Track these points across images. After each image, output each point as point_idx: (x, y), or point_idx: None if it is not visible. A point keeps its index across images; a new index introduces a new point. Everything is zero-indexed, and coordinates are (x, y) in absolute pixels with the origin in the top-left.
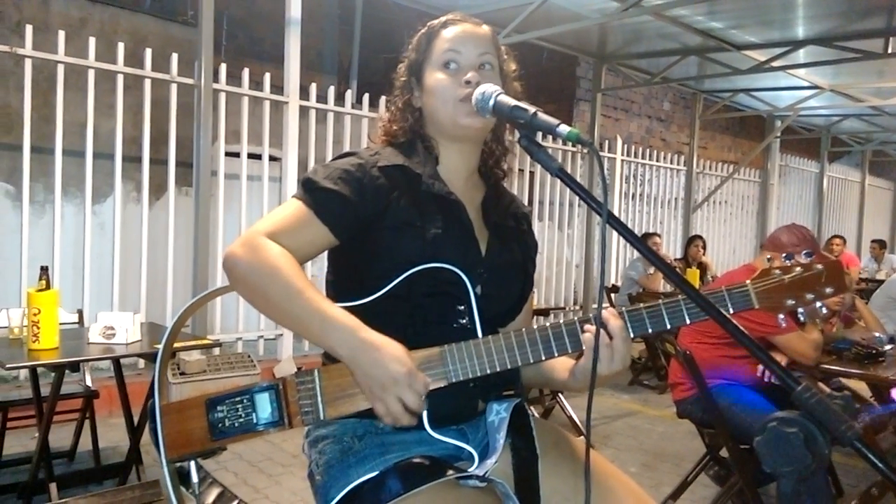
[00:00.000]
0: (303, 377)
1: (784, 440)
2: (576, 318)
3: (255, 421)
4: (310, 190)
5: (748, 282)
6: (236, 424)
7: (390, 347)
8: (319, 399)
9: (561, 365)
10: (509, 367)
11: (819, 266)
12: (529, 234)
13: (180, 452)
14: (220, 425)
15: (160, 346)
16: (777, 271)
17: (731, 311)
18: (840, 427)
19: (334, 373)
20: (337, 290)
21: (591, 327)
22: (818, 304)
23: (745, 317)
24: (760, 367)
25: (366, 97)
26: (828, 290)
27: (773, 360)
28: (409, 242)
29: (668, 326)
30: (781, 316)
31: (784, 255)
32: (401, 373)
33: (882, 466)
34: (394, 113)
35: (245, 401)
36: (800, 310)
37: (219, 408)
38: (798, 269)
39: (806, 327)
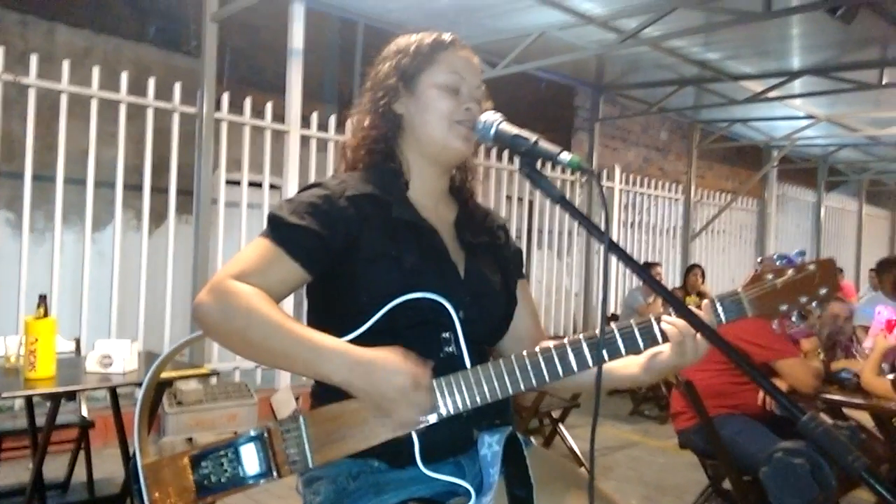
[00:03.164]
0: (288, 425)
1: (790, 471)
2: (566, 341)
3: (241, 474)
4: (276, 227)
5: (740, 289)
6: (223, 479)
7: (384, 360)
8: (307, 447)
9: (626, 361)
10: (500, 396)
11: (811, 266)
12: (507, 245)
13: None
14: (205, 482)
15: (136, 414)
16: (769, 276)
17: (724, 319)
18: (847, 458)
19: (319, 417)
20: (318, 330)
21: (670, 318)
22: (813, 304)
23: (746, 339)
24: (761, 395)
25: None
26: (822, 290)
27: (775, 388)
28: (387, 274)
29: (661, 342)
30: (776, 323)
31: (776, 256)
32: (404, 383)
33: (892, 499)
34: (373, 116)
35: (230, 454)
36: (793, 314)
37: (203, 464)
38: (790, 271)
39: (808, 356)
